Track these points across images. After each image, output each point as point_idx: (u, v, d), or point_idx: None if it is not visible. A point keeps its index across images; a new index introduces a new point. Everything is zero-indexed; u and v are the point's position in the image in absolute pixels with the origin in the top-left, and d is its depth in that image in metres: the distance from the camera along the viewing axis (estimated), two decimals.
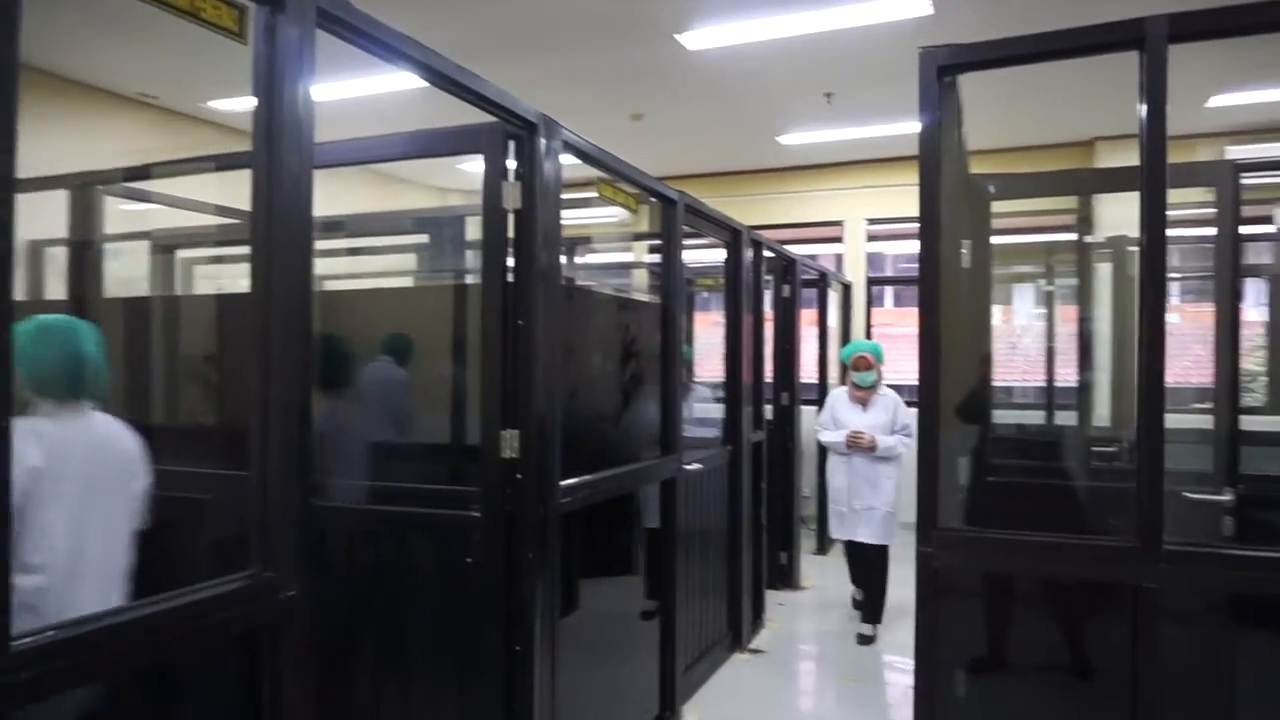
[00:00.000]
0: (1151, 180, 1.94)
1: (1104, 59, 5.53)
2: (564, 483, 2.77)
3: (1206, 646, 2.01)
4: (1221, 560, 1.88)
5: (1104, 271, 5.97)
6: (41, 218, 3.53)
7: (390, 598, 2.77)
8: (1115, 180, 4.36)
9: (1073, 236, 7.56)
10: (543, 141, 2.65)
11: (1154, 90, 1.94)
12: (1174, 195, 2.00)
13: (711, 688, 4.22)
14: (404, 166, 7.92)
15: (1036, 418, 5.81)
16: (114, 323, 3.29)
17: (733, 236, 4.69)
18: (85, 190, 3.45)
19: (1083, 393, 6.42)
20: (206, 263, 4.95)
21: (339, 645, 2.78)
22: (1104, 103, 6.49)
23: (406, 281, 4.91)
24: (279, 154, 1.67)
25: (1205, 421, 5.27)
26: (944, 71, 2.08)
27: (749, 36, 4.94)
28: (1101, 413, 6.23)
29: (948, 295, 2.17)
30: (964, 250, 3.33)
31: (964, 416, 2.97)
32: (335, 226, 4.29)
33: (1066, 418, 5.67)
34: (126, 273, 4.29)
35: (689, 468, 3.90)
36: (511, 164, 2.64)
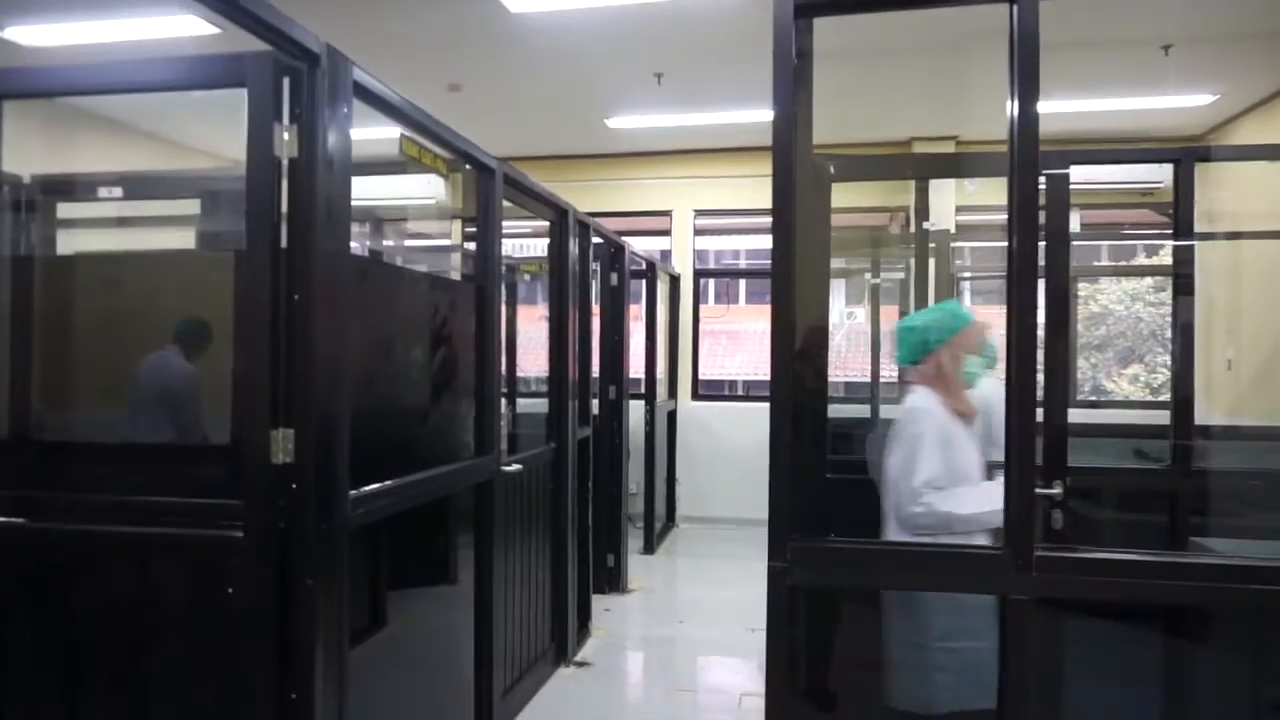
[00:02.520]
0: (1023, 154, 1.74)
1: (922, 62, 5.58)
2: (356, 492, 2.31)
3: (1082, 657, 1.85)
4: (1098, 566, 1.71)
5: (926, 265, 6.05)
6: None
7: (126, 643, 2.21)
8: (955, 165, 4.36)
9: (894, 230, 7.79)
10: (326, 78, 2.17)
11: (1026, 47, 1.74)
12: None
13: (534, 709, 3.85)
14: (182, 130, 6.99)
15: (856, 413, 5.85)
16: None
17: (558, 216, 4.33)
18: None
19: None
20: None
21: (57, 708, 2.19)
22: (920, 105, 6.66)
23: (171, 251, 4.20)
24: None
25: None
26: (802, 12, 1.80)
27: (575, 2, 4.58)
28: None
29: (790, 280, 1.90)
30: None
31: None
32: (78, 187, 3.57)
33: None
34: None
35: (508, 469, 3.50)
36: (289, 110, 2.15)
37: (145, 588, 2.22)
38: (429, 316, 3.08)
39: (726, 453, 7.50)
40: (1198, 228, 7.01)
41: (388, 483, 2.54)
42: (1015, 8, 1.75)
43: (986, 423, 2.79)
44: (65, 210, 3.81)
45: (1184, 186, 3.21)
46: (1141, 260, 10.70)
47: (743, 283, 16.33)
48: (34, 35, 4.98)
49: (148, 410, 2.78)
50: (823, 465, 3.14)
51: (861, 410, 5.75)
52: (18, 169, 2.96)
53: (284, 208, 2.16)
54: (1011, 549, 1.73)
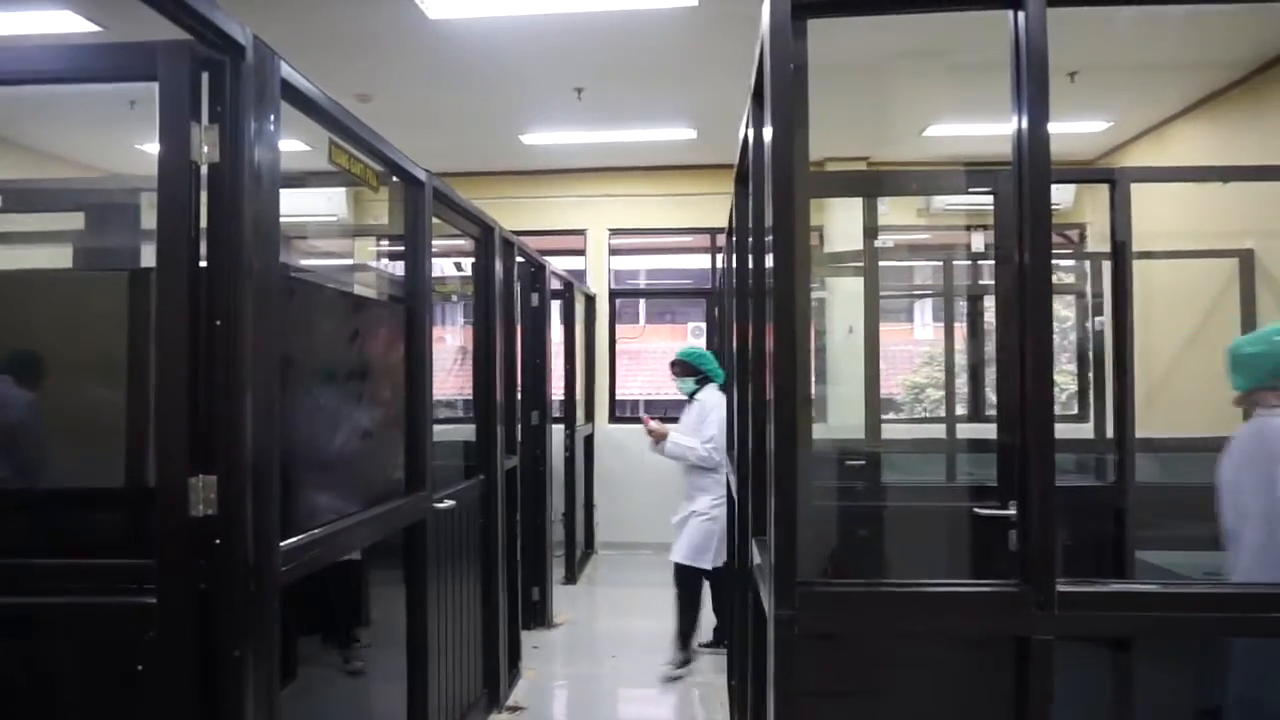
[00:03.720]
0: (1034, 167, 1.64)
1: (838, 82, 5.58)
2: (285, 544, 2.03)
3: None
4: (1128, 600, 1.61)
5: (848, 285, 6.09)
6: None
7: None
8: (903, 182, 4.35)
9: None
10: (253, 74, 1.91)
11: (1035, 57, 1.65)
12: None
13: None
14: (69, 144, 6.39)
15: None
16: None
17: (483, 233, 4.09)
18: None
19: (823, 405, 6.56)
20: None
21: None
22: (830, 126, 6.72)
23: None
24: None
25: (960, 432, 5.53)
26: (801, 12, 1.66)
27: (497, 9, 4.37)
28: (840, 424, 6.39)
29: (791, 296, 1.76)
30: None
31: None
32: None
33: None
34: None
35: (441, 505, 3.24)
36: (206, 109, 1.88)
37: (28, 672, 1.88)
38: (355, 341, 2.81)
39: (642, 476, 7.33)
40: (1092, 248, 7.32)
41: (316, 532, 2.26)
42: (1022, 15, 1.66)
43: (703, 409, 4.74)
44: None
45: (1120, 206, 3.25)
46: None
47: (642, 303, 16.29)
48: None
49: None
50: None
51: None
52: None
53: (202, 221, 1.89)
54: (1033, 585, 1.62)
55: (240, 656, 1.84)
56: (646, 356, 16.39)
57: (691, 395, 4.76)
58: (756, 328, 2.21)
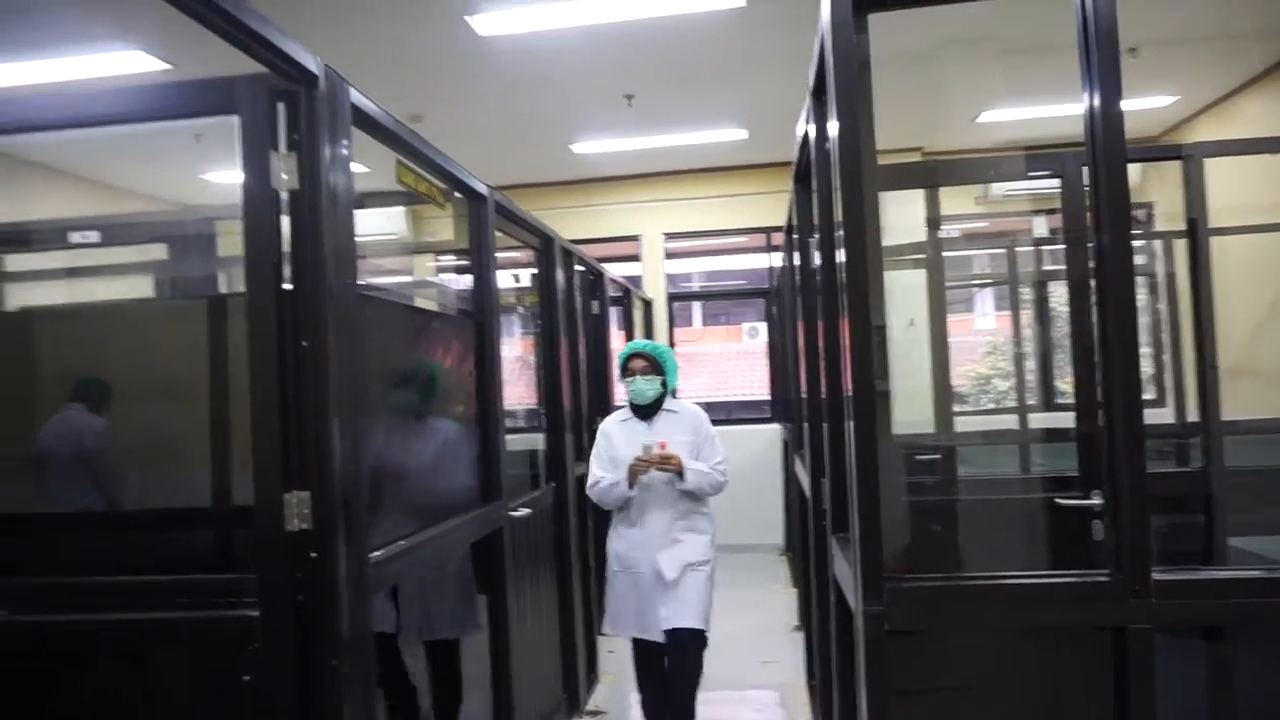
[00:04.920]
0: (1108, 148, 1.62)
1: (888, 73, 5.52)
2: (375, 555, 2.09)
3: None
4: (1228, 587, 1.57)
5: (905, 278, 6.01)
6: None
7: None
8: (962, 170, 4.30)
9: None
10: (326, 102, 1.97)
11: (1104, 37, 1.62)
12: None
13: None
14: (135, 177, 6.65)
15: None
16: None
17: (544, 244, 4.14)
18: None
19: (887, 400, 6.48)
20: None
21: None
22: (881, 116, 6.63)
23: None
24: None
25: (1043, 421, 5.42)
26: (863, 7, 1.66)
27: (546, 23, 4.43)
28: (906, 419, 6.30)
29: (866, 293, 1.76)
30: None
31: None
32: (26, 237, 3.29)
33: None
34: None
35: (516, 514, 3.29)
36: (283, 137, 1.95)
37: (146, 681, 1.96)
38: (430, 355, 2.87)
39: None
40: (1160, 227, 7.10)
41: (403, 543, 2.32)
42: None
43: (693, 423, 3.60)
44: (12, 262, 3.54)
45: (1193, 182, 3.16)
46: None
47: (698, 305, 16.29)
48: None
49: (61, 473, 2.55)
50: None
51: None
52: None
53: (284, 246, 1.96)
54: (1125, 574, 1.59)
55: (338, 667, 1.90)
56: (704, 359, 16.40)
57: (652, 404, 3.52)
58: (829, 324, 2.20)
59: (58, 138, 3.96)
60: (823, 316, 2.26)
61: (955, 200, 7.51)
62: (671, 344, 7.91)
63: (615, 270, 8.17)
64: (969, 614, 1.66)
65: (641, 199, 7.70)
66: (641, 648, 3.53)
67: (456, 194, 3.16)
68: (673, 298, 8.01)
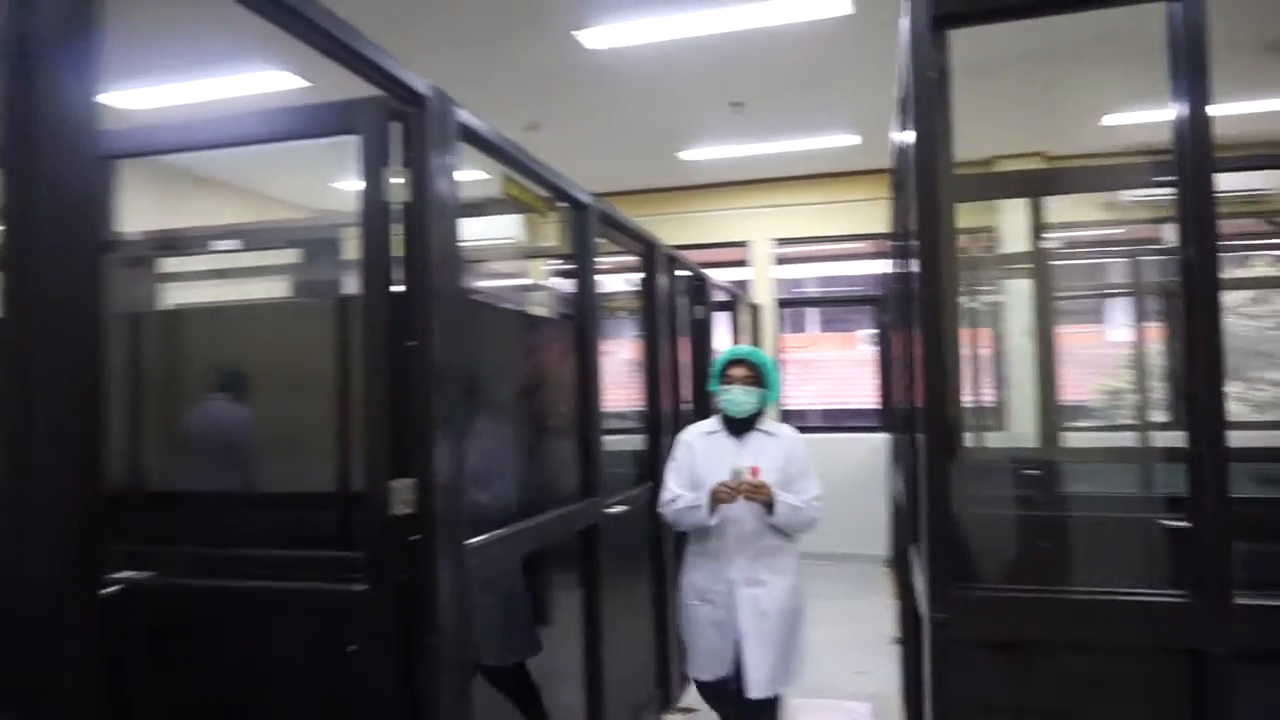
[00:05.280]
0: (1196, 159, 1.59)
1: (1007, 75, 5.36)
2: (472, 541, 2.24)
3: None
4: None
5: (1027, 287, 5.82)
6: None
7: (251, 701, 2.17)
8: (1079, 180, 4.18)
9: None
10: (435, 121, 2.14)
11: (1193, 44, 1.60)
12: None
13: None
14: (273, 182, 7.17)
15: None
16: None
17: (647, 250, 4.26)
18: None
19: (1002, 412, 6.30)
20: None
21: None
22: (1000, 121, 6.45)
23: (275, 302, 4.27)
24: (42, 127, 1.12)
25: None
26: (941, 23, 1.69)
27: (653, 35, 4.56)
28: (1023, 431, 6.11)
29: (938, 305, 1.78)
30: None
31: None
32: (184, 242, 3.65)
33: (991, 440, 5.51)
34: None
35: (612, 511, 3.41)
36: (397, 154, 2.13)
37: (269, 643, 2.18)
38: (531, 357, 3.03)
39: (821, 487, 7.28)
40: None
41: (501, 531, 2.47)
42: (1178, 5, 1.61)
43: (785, 451, 3.13)
44: (170, 265, 3.91)
45: None
46: (1238, 273, 10.08)
47: (813, 311, 16.09)
48: (135, 99, 5.16)
49: (207, 458, 2.80)
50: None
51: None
52: (127, 228, 3.03)
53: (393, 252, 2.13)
54: (1205, 596, 1.56)
55: (435, 642, 2.06)
56: (819, 366, 16.17)
57: (747, 420, 3.11)
58: (911, 334, 2.22)
59: (211, 154, 4.36)
60: (906, 326, 2.28)
61: (1081, 207, 7.23)
62: (779, 350, 7.90)
63: (727, 275, 8.26)
64: (1036, 626, 1.67)
65: (751, 205, 7.73)
66: (711, 691, 3.17)
67: (560, 203, 3.31)
68: (781, 303, 8.00)
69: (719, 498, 2.92)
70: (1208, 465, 1.57)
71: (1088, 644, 1.67)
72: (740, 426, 3.12)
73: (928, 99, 1.69)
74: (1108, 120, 6.15)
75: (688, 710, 4.24)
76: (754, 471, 2.91)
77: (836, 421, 11.52)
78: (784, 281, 10.20)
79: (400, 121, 2.13)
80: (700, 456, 3.11)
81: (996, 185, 3.96)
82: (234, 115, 2.30)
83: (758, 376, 3.09)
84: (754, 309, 7.56)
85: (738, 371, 3.10)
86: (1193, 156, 1.60)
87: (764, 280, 7.82)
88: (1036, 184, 3.96)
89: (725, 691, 3.08)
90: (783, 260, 8.04)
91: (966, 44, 1.79)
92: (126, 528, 2.33)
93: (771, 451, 3.07)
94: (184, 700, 2.22)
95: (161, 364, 2.78)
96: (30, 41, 1.12)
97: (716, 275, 6.03)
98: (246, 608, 2.20)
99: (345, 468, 2.58)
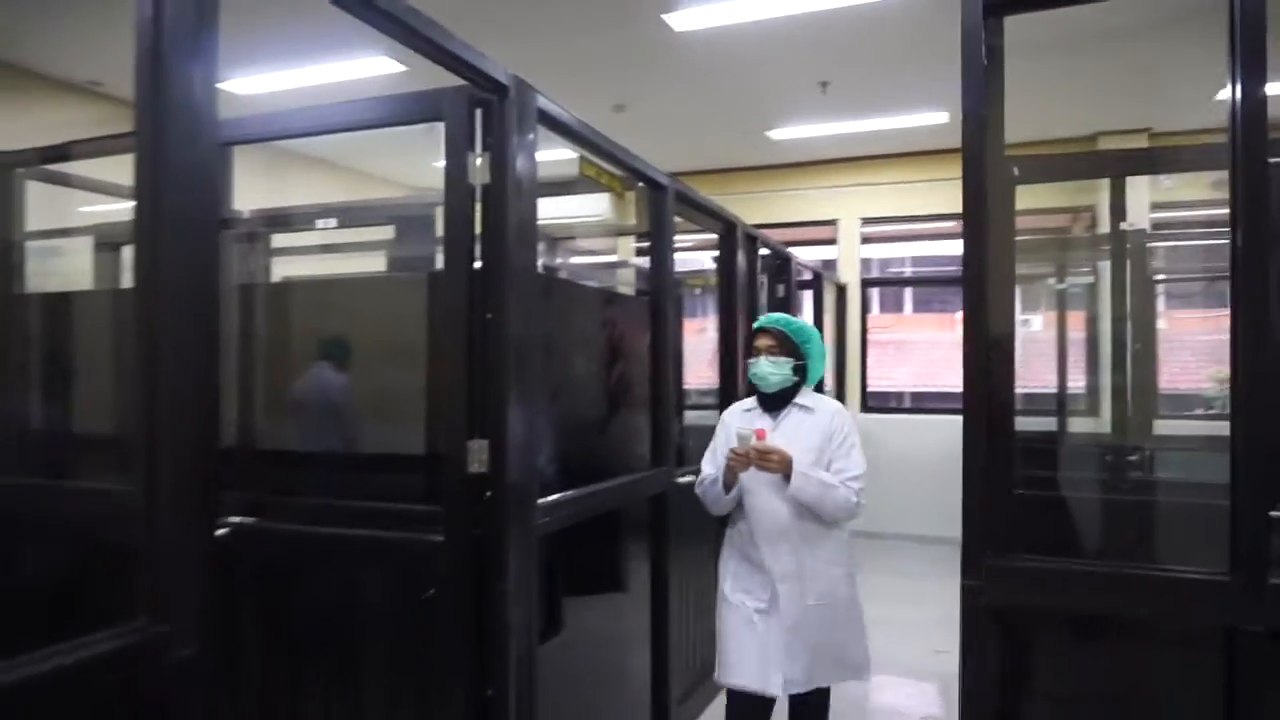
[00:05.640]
0: (1248, 141, 1.60)
1: (1109, 50, 5.18)
2: (542, 500, 2.41)
3: None
4: None
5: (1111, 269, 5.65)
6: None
7: (339, 636, 2.40)
8: (1155, 162, 4.05)
9: (1083, 232, 7.31)
10: (515, 109, 2.29)
11: (1250, 22, 1.60)
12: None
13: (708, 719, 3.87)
14: (373, 161, 7.53)
15: (1041, 425, 5.51)
16: (33, 321, 2.92)
17: (726, 229, 4.35)
18: (4, 173, 3.05)
19: (1096, 398, 6.14)
20: None
21: (278, 693, 2.41)
22: (1105, 96, 6.22)
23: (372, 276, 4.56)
24: (169, 115, 1.30)
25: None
26: (992, 11, 1.74)
27: (740, 16, 4.61)
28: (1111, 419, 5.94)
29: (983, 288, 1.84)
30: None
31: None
32: (291, 219, 3.93)
33: (1076, 425, 5.39)
34: (73, 267, 3.93)
35: (683, 480, 3.54)
36: (480, 139, 2.30)
37: (358, 586, 2.40)
38: (605, 331, 3.18)
39: (898, 467, 7.26)
40: None
41: (570, 492, 2.64)
42: None
43: (825, 426, 2.82)
44: (277, 240, 4.22)
45: None
46: None
47: (909, 291, 15.78)
48: (247, 85, 5.52)
49: (312, 420, 3.04)
50: (1010, 480, 2.99)
51: (1046, 424, 5.40)
52: (239, 206, 3.31)
53: (476, 230, 2.30)
54: (1240, 573, 1.59)
55: (504, 590, 2.24)
56: (912, 346, 15.84)
57: (780, 395, 2.80)
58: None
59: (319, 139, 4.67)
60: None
61: (1192, 186, 6.91)
62: (864, 331, 7.85)
63: (816, 254, 8.25)
64: (1067, 598, 1.72)
65: (839, 183, 7.69)
66: (739, 702, 2.79)
67: (640, 184, 3.44)
68: (866, 283, 7.94)
69: (731, 467, 2.69)
70: (1243, 446, 1.59)
71: (1120, 618, 1.72)
72: (774, 402, 2.81)
73: (977, 87, 1.74)
74: (1226, 95, 5.87)
75: None
76: (759, 435, 2.63)
77: (930, 404, 11.33)
78: (880, 260, 10.06)
79: (483, 108, 2.29)
80: (735, 434, 2.78)
81: (1063, 167, 3.87)
82: (335, 104, 2.50)
83: (787, 346, 2.78)
84: (840, 288, 7.54)
85: (763, 341, 2.80)
86: (1245, 135, 1.61)
87: (850, 259, 7.78)
88: (1111, 165, 3.86)
89: (756, 707, 2.75)
90: (869, 239, 7.96)
91: (1064, 19, 1.79)
92: (239, 479, 2.60)
93: (809, 428, 2.76)
94: (281, 630, 2.47)
95: (272, 332, 3.04)
96: (161, 38, 1.30)
97: (806, 253, 6.06)
98: (340, 552, 2.43)
99: (430, 429, 2.79)
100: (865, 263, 8.07)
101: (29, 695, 1.14)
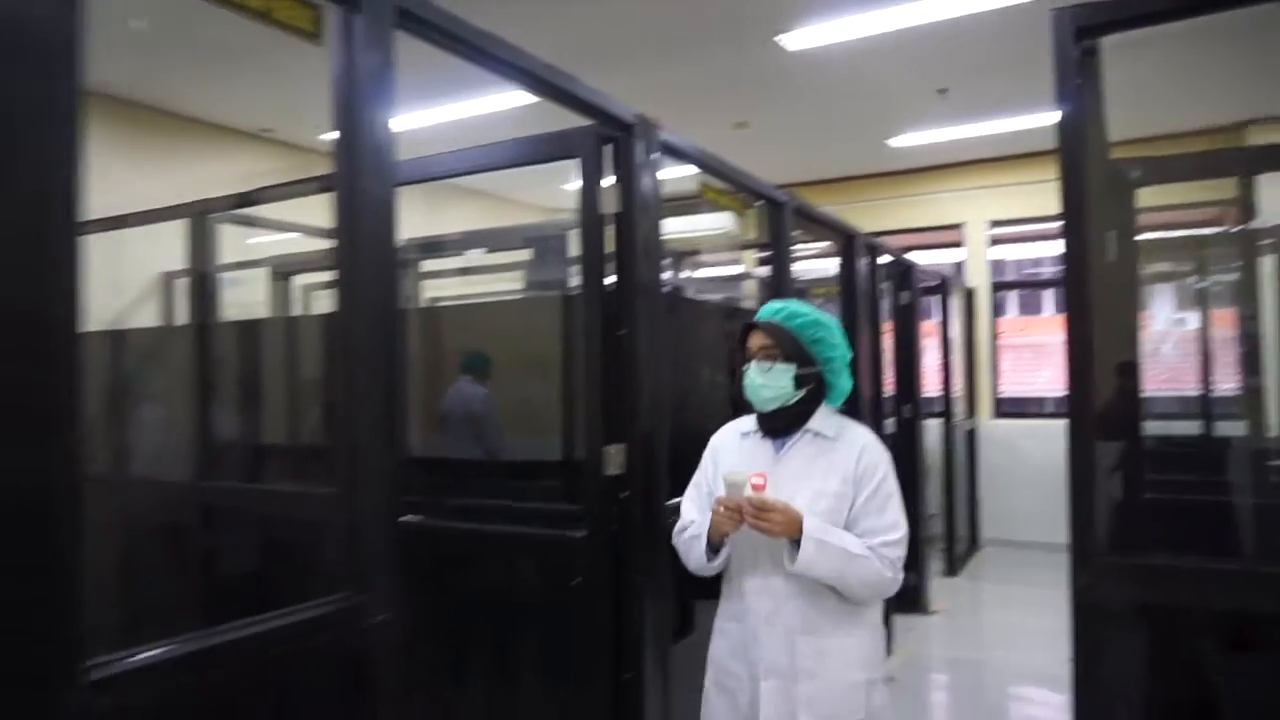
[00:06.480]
0: None
1: (1258, 31, 5.00)
2: (671, 501, 2.62)
3: None
4: None
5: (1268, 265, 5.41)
6: (169, 249, 3.68)
7: (494, 621, 2.68)
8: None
9: (1223, 229, 6.94)
10: (640, 143, 2.52)
11: None
12: None
13: None
14: (509, 187, 7.98)
15: (1185, 428, 5.29)
16: (230, 346, 3.37)
17: (845, 241, 4.46)
18: (200, 220, 3.54)
19: (1251, 400, 5.83)
20: (324, 287, 5.07)
21: (441, 670, 2.71)
22: (1257, 81, 5.91)
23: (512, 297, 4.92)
24: (360, 167, 1.59)
25: None
26: (1083, 34, 1.83)
27: (853, 33, 4.71)
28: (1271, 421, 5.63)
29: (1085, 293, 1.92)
30: (1106, 245, 3.02)
31: (1104, 430, 2.66)
32: (441, 246, 4.32)
33: (1224, 428, 5.14)
34: (249, 298, 4.44)
35: None
36: (609, 178, 2.54)
37: (509, 577, 2.68)
38: (727, 343, 3.37)
39: (1034, 474, 7.07)
40: None
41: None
42: None
43: (851, 461, 2.07)
44: (426, 264, 4.63)
45: None
46: None
47: (1048, 292, 15.16)
48: (400, 122, 6.00)
49: (456, 429, 3.35)
50: (1140, 484, 2.99)
51: (1190, 427, 5.19)
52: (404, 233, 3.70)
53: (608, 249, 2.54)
54: None
55: (641, 582, 2.46)
56: (1053, 350, 15.17)
57: (785, 415, 2.07)
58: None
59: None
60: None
61: None
62: (995, 335, 7.70)
63: (942, 259, 8.15)
64: (1179, 595, 1.78)
65: (963, 186, 7.59)
66: None
67: (759, 202, 3.61)
68: (997, 286, 7.78)
69: (716, 524, 1.98)
70: None
71: (1221, 613, 1.77)
72: (779, 424, 2.09)
73: (1074, 112, 1.83)
74: None
75: (886, 680, 4.40)
76: (756, 485, 1.90)
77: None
78: (1016, 262, 9.77)
79: (612, 144, 2.53)
80: (726, 467, 2.10)
81: (1187, 166, 3.77)
82: (485, 146, 2.79)
83: (789, 347, 2.04)
84: (968, 292, 7.44)
85: (755, 341, 2.09)
86: None
87: (979, 263, 7.65)
88: (1239, 161, 3.74)
89: None
90: (999, 240, 7.81)
91: None
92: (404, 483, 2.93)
93: (826, 466, 2.02)
94: (444, 612, 2.77)
95: (422, 351, 3.39)
96: (354, 89, 1.58)
97: (932, 258, 6.03)
98: (492, 547, 2.71)
99: (569, 436, 3.05)
100: (998, 265, 7.91)
101: (275, 641, 1.44)
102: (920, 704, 4.28)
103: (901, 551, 1.98)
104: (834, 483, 2.00)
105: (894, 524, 1.99)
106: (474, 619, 2.71)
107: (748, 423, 2.20)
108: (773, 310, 2.12)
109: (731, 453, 2.18)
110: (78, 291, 1.13)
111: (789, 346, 2.05)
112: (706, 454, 2.26)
